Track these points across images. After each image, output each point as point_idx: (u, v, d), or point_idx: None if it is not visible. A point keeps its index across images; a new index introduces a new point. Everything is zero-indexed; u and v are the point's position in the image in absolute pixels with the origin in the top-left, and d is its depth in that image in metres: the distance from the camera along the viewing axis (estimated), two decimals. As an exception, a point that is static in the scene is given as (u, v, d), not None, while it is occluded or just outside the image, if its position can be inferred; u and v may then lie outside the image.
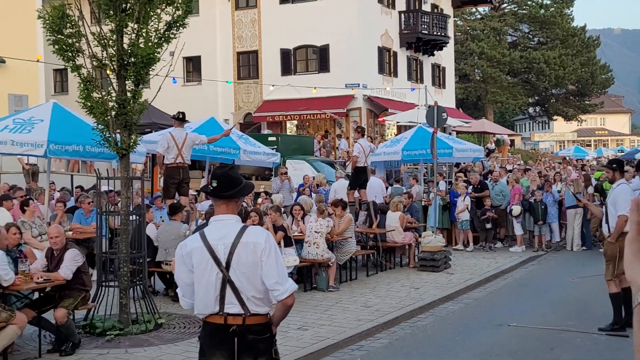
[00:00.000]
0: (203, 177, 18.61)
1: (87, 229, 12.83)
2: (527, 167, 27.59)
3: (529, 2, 54.78)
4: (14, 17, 25.49)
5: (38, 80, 27.05)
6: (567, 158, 41.04)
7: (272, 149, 20.02)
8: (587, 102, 59.88)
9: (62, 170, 23.67)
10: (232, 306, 4.27)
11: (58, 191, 17.17)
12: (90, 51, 9.13)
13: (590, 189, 18.45)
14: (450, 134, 30.59)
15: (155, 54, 9.00)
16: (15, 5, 25.56)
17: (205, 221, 10.76)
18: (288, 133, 33.89)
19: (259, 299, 4.28)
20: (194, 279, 4.37)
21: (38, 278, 8.39)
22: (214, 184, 4.40)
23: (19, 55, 23.46)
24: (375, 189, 17.69)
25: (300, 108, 33.49)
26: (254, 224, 9.44)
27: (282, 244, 11.52)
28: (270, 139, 22.71)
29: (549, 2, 55.17)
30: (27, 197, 14.14)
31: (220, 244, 4.29)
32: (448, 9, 42.37)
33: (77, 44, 9.09)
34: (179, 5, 9.26)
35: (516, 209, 17.83)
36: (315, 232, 12.34)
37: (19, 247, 9.47)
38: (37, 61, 23.71)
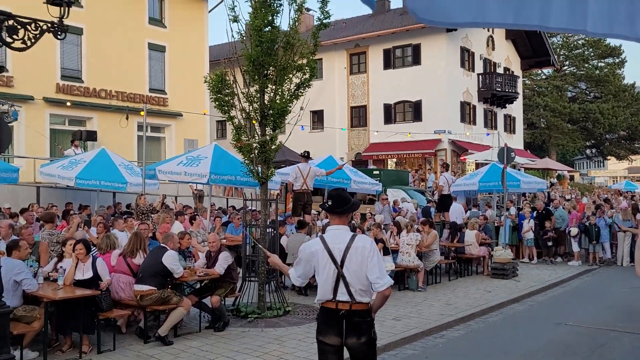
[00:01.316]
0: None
1: (236, 238, 13.21)
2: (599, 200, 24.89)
3: (586, 65, 52.24)
4: (189, 83, 26.92)
5: (205, 129, 28.30)
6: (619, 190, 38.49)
7: (376, 180, 19.97)
8: (637, 145, 56.09)
9: (220, 195, 24.57)
10: (342, 295, 4.28)
11: (216, 210, 17.85)
12: (240, 105, 9.50)
13: (639, 216, 17.28)
14: (519, 169, 29.44)
15: (288, 108, 9.24)
16: (189, 74, 27.00)
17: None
18: (389, 168, 33.73)
19: (363, 291, 4.28)
20: (317, 273, 4.42)
21: (199, 272, 8.73)
22: (329, 202, 4.44)
23: (192, 110, 24.70)
24: (457, 212, 17.36)
25: (399, 149, 33.33)
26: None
27: (382, 253, 11.45)
28: (374, 172, 22.58)
29: (602, 64, 52.46)
30: (195, 213, 14.77)
31: (336, 248, 4.32)
32: (518, 71, 41.06)
33: (232, 101, 9.49)
34: (305, 71, 9.50)
35: (574, 230, 16.93)
36: (407, 244, 12.21)
37: (188, 249, 9.90)
38: (204, 114, 24.84)
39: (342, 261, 4.28)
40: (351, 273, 4.27)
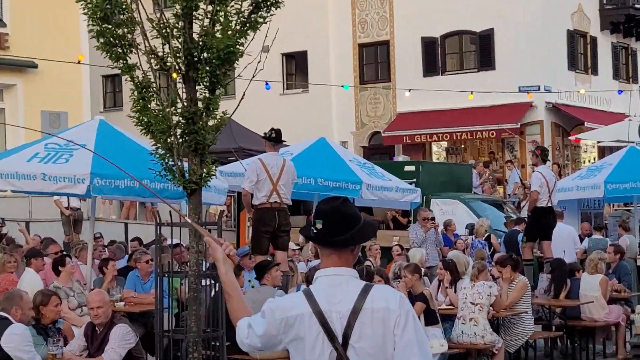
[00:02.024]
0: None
1: (144, 299, 13.09)
2: None
3: None
4: (48, 7, 26.71)
5: (81, 91, 28.15)
6: None
7: (410, 182, 19.95)
8: None
9: (112, 217, 24.42)
10: None
11: (106, 246, 17.70)
12: (147, 45, 9.43)
13: None
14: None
15: (237, 47, 9.20)
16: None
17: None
18: (434, 160, 33.77)
19: None
20: (299, 356, 4.38)
21: (74, 365, 8.67)
22: (319, 225, 4.41)
23: (55, 57, 24.50)
24: (565, 240, 17.38)
25: (452, 123, 33.44)
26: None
27: (423, 320, 11.42)
28: (407, 168, 22.62)
29: None
30: (64, 253, 14.64)
31: (335, 311, 4.29)
32: (674, -28, 41.34)
33: (130, 36, 9.42)
34: (271, -26, 9.47)
35: None
36: (472, 303, 12.19)
37: (56, 323, 9.82)
38: (78, 62, 24.63)
39: (346, 337, 4.26)
40: (364, 358, 4.25)
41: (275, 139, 13.81)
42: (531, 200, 16.91)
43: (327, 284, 4.40)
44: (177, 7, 9.27)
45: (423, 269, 13.74)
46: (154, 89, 9.43)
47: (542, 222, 16.66)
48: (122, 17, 9.37)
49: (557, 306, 14.53)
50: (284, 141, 14.71)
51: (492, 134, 33.23)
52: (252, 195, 13.58)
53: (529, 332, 13.08)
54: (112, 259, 14.85)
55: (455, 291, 12.79)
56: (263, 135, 14.32)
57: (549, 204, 16.53)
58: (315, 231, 4.43)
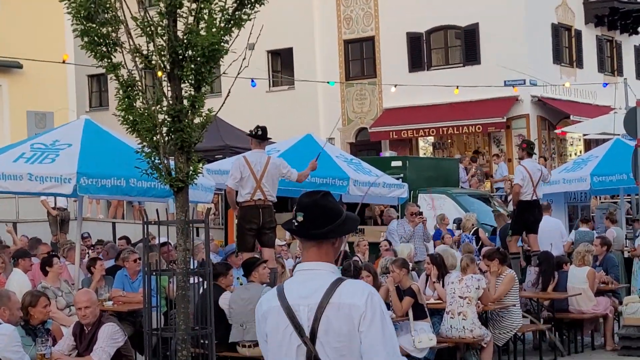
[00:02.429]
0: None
1: (133, 297, 13.06)
2: None
3: None
4: (33, 5, 26.61)
5: (66, 91, 28.03)
6: None
7: (397, 178, 19.94)
8: None
9: (100, 217, 24.34)
10: None
11: (94, 246, 17.65)
12: (132, 44, 9.42)
13: None
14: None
15: (222, 44, 9.19)
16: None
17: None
18: (420, 155, 33.75)
19: None
20: (269, 353, 4.41)
21: (63, 365, 8.66)
22: (300, 218, 4.41)
23: (40, 57, 24.38)
24: (551, 233, 17.39)
25: (438, 118, 33.43)
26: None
27: (411, 315, 11.44)
28: (394, 164, 22.59)
29: None
30: (52, 253, 14.59)
31: (303, 305, 4.28)
32: (658, -36, 41.37)
33: (114, 35, 9.40)
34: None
35: None
36: (461, 297, 12.20)
37: (45, 324, 9.80)
38: (63, 62, 24.51)
39: (314, 331, 4.25)
40: (331, 353, 4.24)
41: (261, 136, 13.77)
42: (513, 193, 16.98)
43: (300, 279, 4.42)
44: (161, 5, 9.26)
45: (411, 264, 13.74)
46: (139, 87, 9.42)
47: (527, 216, 16.71)
48: (106, 15, 9.35)
49: (545, 299, 14.56)
50: (270, 138, 14.69)
51: (479, 128, 33.24)
52: (236, 192, 13.58)
53: (517, 325, 13.09)
54: (100, 258, 14.83)
55: (443, 285, 12.80)
56: (249, 132, 14.29)
57: (534, 197, 16.57)
58: (296, 224, 4.43)
